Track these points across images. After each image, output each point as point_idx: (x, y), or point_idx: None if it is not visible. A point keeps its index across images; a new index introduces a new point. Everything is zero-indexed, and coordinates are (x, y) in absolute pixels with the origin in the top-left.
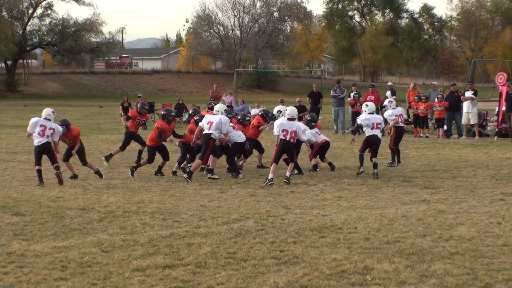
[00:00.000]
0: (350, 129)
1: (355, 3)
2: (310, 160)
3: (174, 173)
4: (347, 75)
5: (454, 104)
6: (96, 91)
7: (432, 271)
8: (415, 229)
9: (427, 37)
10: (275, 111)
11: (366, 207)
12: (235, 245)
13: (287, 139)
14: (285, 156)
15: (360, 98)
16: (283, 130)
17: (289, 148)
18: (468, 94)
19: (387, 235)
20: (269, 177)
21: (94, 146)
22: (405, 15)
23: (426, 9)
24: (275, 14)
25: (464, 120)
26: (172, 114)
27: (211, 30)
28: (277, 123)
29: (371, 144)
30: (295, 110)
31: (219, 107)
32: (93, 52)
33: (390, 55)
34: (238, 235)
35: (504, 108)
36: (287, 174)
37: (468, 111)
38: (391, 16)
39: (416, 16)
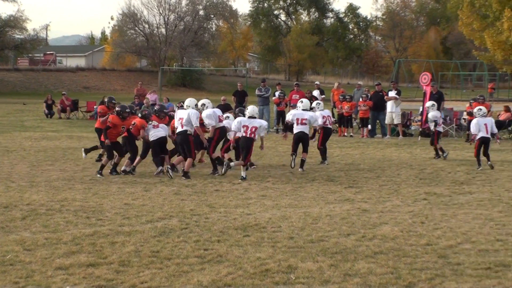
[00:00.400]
0: (275, 127)
1: (281, 2)
2: (222, 157)
3: (114, 170)
4: (272, 74)
5: (378, 104)
6: (20, 88)
7: (356, 270)
8: (339, 228)
9: (352, 36)
10: (199, 104)
11: (290, 206)
12: (159, 244)
13: (248, 134)
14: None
15: (285, 97)
16: (243, 126)
17: (247, 144)
18: (392, 94)
19: (311, 234)
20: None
21: (17, 143)
22: (330, 14)
23: (352, 9)
24: (201, 12)
25: (387, 120)
26: (127, 110)
27: (136, 28)
28: (237, 120)
29: (299, 140)
30: (255, 108)
31: (189, 101)
32: (17, 49)
33: (315, 55)
34: (162, 234)
35: None
36: (243, 174)
37: (392, 111)
38: (317, 16)
39: (341, 15)
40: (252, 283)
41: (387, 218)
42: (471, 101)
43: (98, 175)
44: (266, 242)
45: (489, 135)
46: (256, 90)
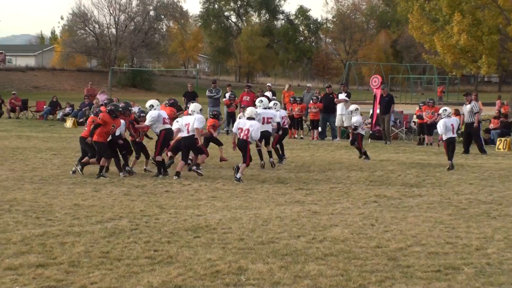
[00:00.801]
0: (225, 129)
1: (232, 4)
2: (166, 154)
3: (75, 170)
4: (223, 75)
5: (328, 106)
6: None
7: (306, 272)
8: (289, 230)
9: (302, 39)
10: (147, 105)
11: (240, 208)
12: (109, 245)
13: (241, 136)
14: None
15: (236, 98)
16: (239, 128)
17: (242, 146)
18: (342, 96)
19: (262, 236)
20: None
21: None
22: (281, 16)
23: (302, 11)
24: (151, 13)
25: (337, 122)
26: (119, 110)
27: (86, 28)
28: (237, 121)
29: (263, 137)
30: (254, 110)
31: (194, 107)
32: None
33: (266, 56)
34: (112, 235)
35: (378, 110)
36: (238, 175)
37: (342, 113)
38: (267, 17)
39: (292, 17)
40: (202, 284)
41: (337, 220)
42: (420, 104)
43: (103, 178)
44: (216, 244)
45: (455, 135)
46: (207, 91)
